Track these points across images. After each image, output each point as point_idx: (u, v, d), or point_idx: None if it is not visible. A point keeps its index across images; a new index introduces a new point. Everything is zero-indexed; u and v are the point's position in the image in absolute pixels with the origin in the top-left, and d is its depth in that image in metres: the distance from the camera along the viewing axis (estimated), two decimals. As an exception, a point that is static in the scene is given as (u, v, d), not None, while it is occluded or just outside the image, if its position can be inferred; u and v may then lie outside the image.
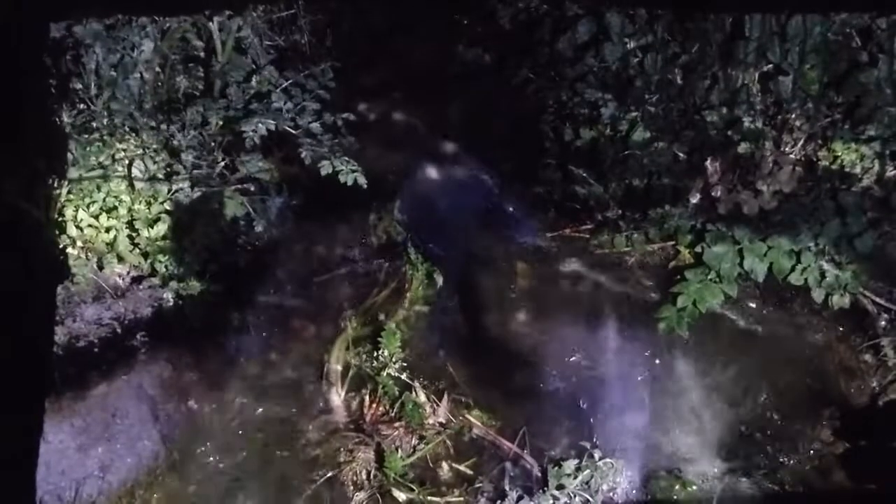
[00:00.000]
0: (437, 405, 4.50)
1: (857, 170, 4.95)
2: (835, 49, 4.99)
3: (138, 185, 4.68)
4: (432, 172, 5.68)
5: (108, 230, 4.59)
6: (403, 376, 4.55)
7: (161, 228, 4.66)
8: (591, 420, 4.57)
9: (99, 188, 4.64)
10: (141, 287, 4.67)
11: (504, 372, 4.76)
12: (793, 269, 4.81)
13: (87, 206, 4.59)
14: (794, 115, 5.10)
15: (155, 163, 4.80)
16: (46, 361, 4.29)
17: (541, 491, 4.24)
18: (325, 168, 4.98)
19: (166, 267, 4.67)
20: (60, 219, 4.52)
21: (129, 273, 4.69)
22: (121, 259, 4.64)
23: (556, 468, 4.28)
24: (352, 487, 4.25)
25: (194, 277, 4.73)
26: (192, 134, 4.96)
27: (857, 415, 4.57)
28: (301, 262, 5.14)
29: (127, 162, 4.75)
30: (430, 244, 5.24)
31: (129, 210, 4.65)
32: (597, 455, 4.31)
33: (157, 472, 4.21)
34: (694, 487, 4.30)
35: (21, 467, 4.00)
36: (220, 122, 5.02)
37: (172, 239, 4.69)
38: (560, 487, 4.23)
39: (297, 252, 5.18)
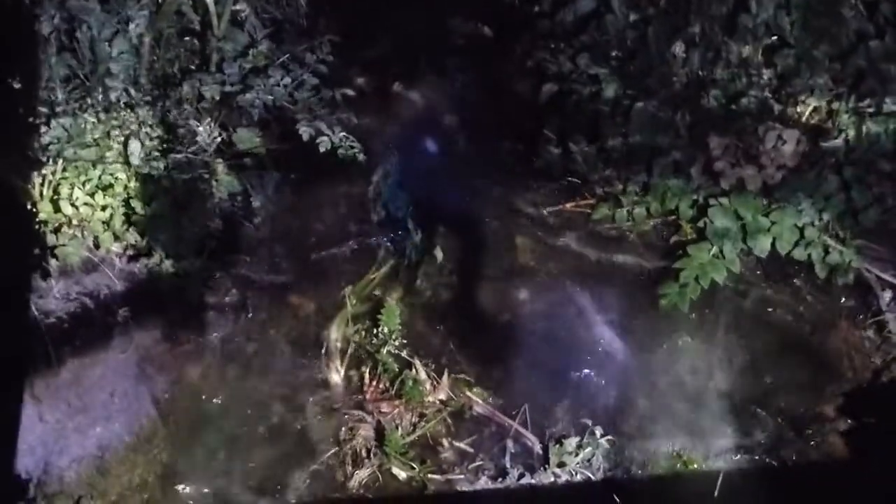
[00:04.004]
0: (438, 382, 4.48)
1: (863, 144, 4.90)
2: (841, 21, 4.93)
3: (134, 161, 4.62)
4: (432, 147, 5.62)
5: (103, 208, 4.53)
6: (404, 353, 4.53)
7: (158, 205, 4.61)
8: (594, 397, 4.56)
9: (94, 165, 4.57)
10: (137, 265, 4.62)
11: (505, 349, 4.73)
12: (796, 244, 4.78)
13: (83, 184, 4.53)
14: (798, 89, 5.04)
15: (151, 139, 4.74)
16: (40, 341, 4.27)
17: (542, 469, 4.25)
18: (324, 144, 4.96)
19: (163, 244, 4.62)
20: (55, 197, 4.47)
21: (125, 251, 4.64)
22: (117, 237, 4.58)
23: (558, 446, 4.28)
24: (352, 465, 4.25)
25: (191, 254, 4.69)
26: (188, 109, 4.91)
27: (860, 391, 4.56)
28: (299, 238, 5.09)
29: (123, 138, 4.68)
30: (430, 220, 5.19)
31: (126, 187, 4.59)
32: (598, 433, 4.31)
33: (156, 451, 4.21)
34: (695, 465, 4.29)
35: (16, 447, 4.00)
36: (217, 97, 4.96)
37: (169, 216, 4.63)
38: (561, 465, 4.23)
39: (295, 228, 5.13)
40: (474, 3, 6.21)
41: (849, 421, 4.46)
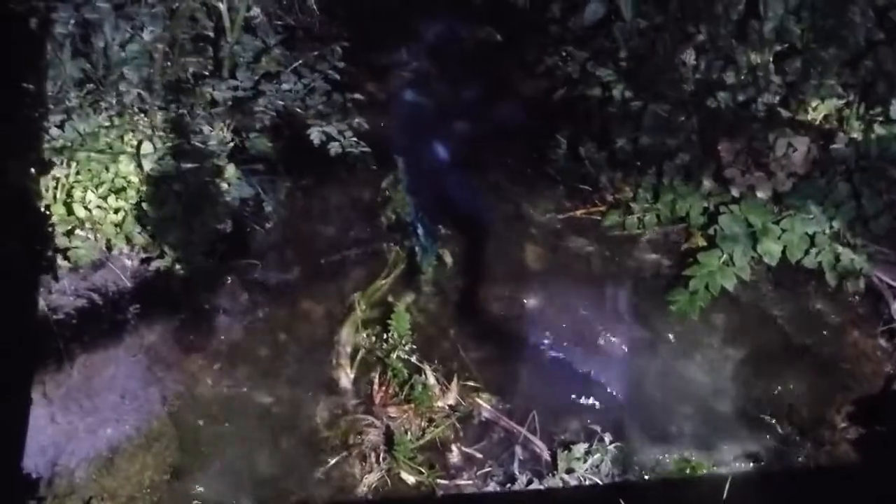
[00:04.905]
0: (447, 388, 4.48)
1: (874, 151, 4.89)
2: (851, 27, 4.93)
3: (147, 165, 4.64)
4: (442, 152, 5.65)
5: (116, 211, 4.56)
6: (413, 359, 4.51)
7: (169, 209, 4.63)
8: (602, 403, 4.55)
9: (108, 169, 4.60)
10: (149, 268, 4.64)
11: (514, 354, 4.74)
12: (807, 252, 4.77)
13: (96, 187, 4.56)
14: (808, 95, 5.04)
15: (164, 143, 4.77)
16: (51, 342, 4.29)
17: (550, 475, 4.23)
18: (335, 149, 4.99)
19: (174, 247, 4.64)
20: (68, 199, 4.50)
21: (137, 254, 4.67)
22: (129, 240, 4.61)
23: (566, 452, 4.27)
24: (361, 469, 4.24)
25: (202, 257, 4.70)
26: (200, 113, 4.93)
27: (870, 400, 4.54)
28: (309, 242, 5.10)
29: (136, 142, 4.71)
30: (440, 225, 5.20)
31: (138, 191, 4.62)
32: (607, 439, 4.30)
33: (166, 454, 4.21)
34: (704, 471, 4.28)
35: (27, 447, 4.02)
36: (230, 102, 4.99)
37: (181, 219, 4.65)
38: (570, 471, 4.22)
39: (306, 232, 5.15)
40: (485, 8, 6.24)
41: (859, 429, 4.44)
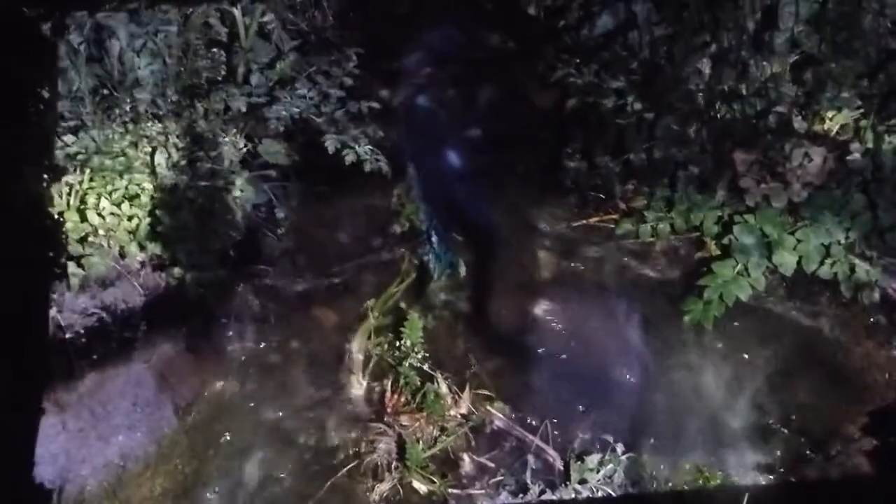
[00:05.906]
0: (459, 396, 4.47)
1: (890, 162, 4.87)
2: (867, 38, 4.91)
3: (160, 171, 4.65)
4: (455, 160, 5.64)
5: (130, 218, 4.56)
6: (425, 367, 4.50)
7: (183, 216, 4.63)
8: (615, 413, 4.53)
9: (121, 175, 4.61)
10: (162, 275, 4.64)
11: (527, 363, 4.73)
12: (822, 263, 4.75)
13: (110, 194, 4.56)
14: (824, 105, 5.02)
15: (177, 149, 4.77)
16: (64, 350, 4.29)
17: (563, 485, 4.21)
18: (349, 156, 4.98)
19: (188, 254, 4.64)
20: (82, 206, 4.50)
21: (150, 261, 4.66)
22: (142, 247, 4.61)
23: (579, 462, 4.25)
24: (372, 478, 4.23)
25: (215, 265, 4.71)
26: (214, 120, 4.93)
27: (885, 411, 4.51)
28: (323, 250, 5.11)
29: (149, 149, 4.72)
30: (453, 233, 5.20)
31: (152, 198, 4.62)
32: (620, 449, 4.28)
33: (178, 461, 4.21)
34: (718, 482, 4.25)
35: (39, 455, 4.02)
36: (243, 109, 4.99)
37: (194, 226, 4.66)
38: (582, 482, 4.20)
39: (319, 239, 5.15)
40: (499, 16, 6.24)
41: (873, 441, 4.41)
